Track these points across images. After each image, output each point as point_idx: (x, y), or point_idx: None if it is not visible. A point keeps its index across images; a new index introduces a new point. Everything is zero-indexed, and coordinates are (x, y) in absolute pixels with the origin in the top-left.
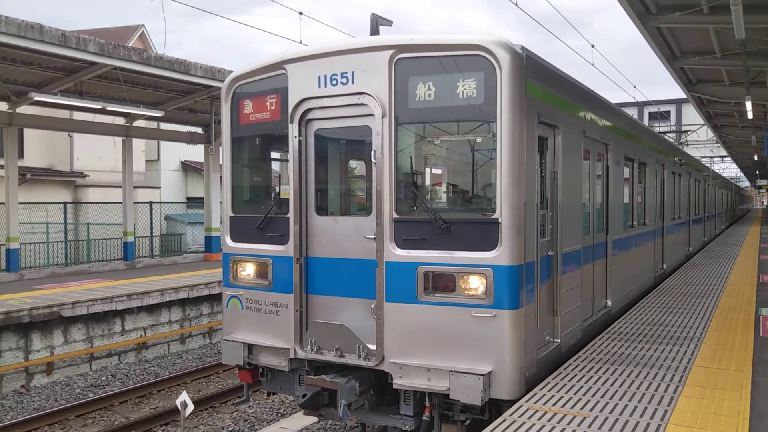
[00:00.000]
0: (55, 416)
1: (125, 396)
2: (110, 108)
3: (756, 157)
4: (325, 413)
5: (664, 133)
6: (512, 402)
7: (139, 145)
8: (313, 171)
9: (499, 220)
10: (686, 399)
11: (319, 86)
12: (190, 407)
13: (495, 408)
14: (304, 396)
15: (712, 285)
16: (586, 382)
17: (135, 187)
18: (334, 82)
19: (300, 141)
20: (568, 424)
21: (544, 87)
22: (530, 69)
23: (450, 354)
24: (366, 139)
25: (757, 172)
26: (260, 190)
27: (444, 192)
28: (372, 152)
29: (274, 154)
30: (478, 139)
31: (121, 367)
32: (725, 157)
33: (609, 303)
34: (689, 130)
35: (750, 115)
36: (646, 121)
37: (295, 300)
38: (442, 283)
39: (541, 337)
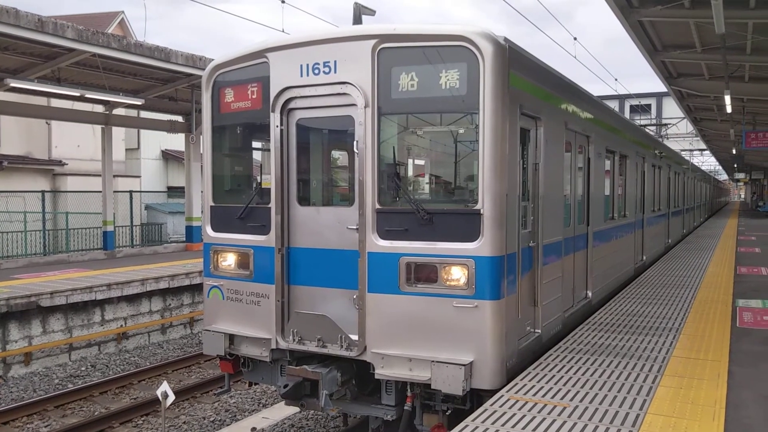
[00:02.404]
0: (34, 407)
1: (105, 386)
2: (89, 95)
3: (734, 151)
4: (307, 403)
5: (645, 126)
6: (493, 392)
7: (118, 133)
8: (295, 161)
9: (481, 212)
10: (664, 389)
11: (301, 75)
12: (171, 397)
13: (476, 398)
14: (285, 386)
15: (690, 276)
16: (566, 372)
17: (115, 176)
18: (317, 71)
19: (282, 130)
20: (549, 413)
21: (526, 78)
22: (513, 60)
23: (432, 344)
24: (348, 129)
25: (735, 166)
26: (241, 180)
27: (426, 183)
28: (354, 142)
29: (256, 144)
30: (461, 131)
31: (101, 357)
32: (704, 150)
33: (589, 294)
34: (669, 123)
35: (729, 109)
36: (627, 114)
37: (276, 290)
38: (424, 273)
39: (522, 327)
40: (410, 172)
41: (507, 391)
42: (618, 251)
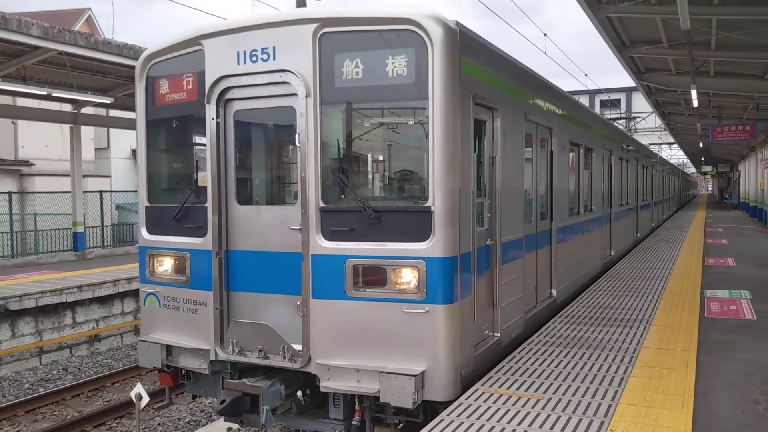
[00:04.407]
0: (3, 412)
1: (77, 390)
2: (56, 94)
3: (701, 145)
4: (247, 420)
5: (614, 119)
6: (448, 403)
7: (87, 132)
8: (233, 156)
9: (432, 209)
10: (636, 379)
11: (238, 63)
12: (146, 399)
13: (430, 409)
14: (222, 402)
15: (660, 268)
16: (529, 376)
17: (84, 176)
18: (254, 58)
19: (218, 123)
20: (509, 422)
21: (480, 66)
22: (465, 46)
23: (381, 353)
24: (290, 121)
25: (703, 159)
26: (178, 178)
27: (374, 179)
28: (296, 135)
29: (193, 138)
30: (410, 122)
31: (73, 360)
32: (673, 144)
33: (554, 292)
34: (638, 117)
35: (695, 104)
36: (597, 109)
37: (214, 297)
38: (373, 277)
39: (479, 332)
40: (356, 167)
41: (466, 399)
42: (584, 247)
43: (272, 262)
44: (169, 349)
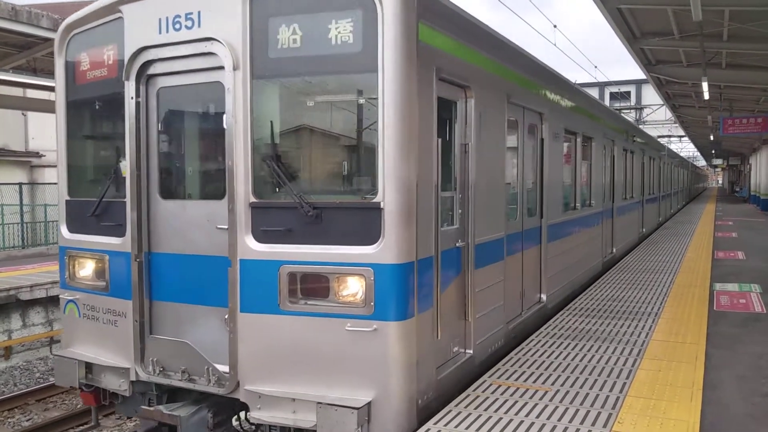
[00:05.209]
0: (15, 401)
1: None
2: None
3: (712, 137)
4: None
5: (621, 109)
6: None
7: None
8: (156, 142)
9: (381, 205)
10: (644, 372)
11: (160, 32)
12: None
13: None
14: None
15: (669, 262)
16: (537, 368)
17: None
18: (177, 25)
19: (138, 103)
20: (516, 414)
21: (446, 34)
22: (425, 9)
23: (321, 380)
24: (219, 99)
25: (713, 152)
26: (102, 168)
27: (315, 168)
28: (224, 116)
29: (117, 122)
30: (357, 99)
31: None
32: (683, 136)
33: (544, 297)
34: (647, 106)
35: (706, 96)
36: (607, 101)
37: (134, 308)
38: (312, 286)
39: (443, 351)
40: (294, 154)
41: (473, 390)
42: (581, 245)
43: (199, 267)
44: (89, 365)
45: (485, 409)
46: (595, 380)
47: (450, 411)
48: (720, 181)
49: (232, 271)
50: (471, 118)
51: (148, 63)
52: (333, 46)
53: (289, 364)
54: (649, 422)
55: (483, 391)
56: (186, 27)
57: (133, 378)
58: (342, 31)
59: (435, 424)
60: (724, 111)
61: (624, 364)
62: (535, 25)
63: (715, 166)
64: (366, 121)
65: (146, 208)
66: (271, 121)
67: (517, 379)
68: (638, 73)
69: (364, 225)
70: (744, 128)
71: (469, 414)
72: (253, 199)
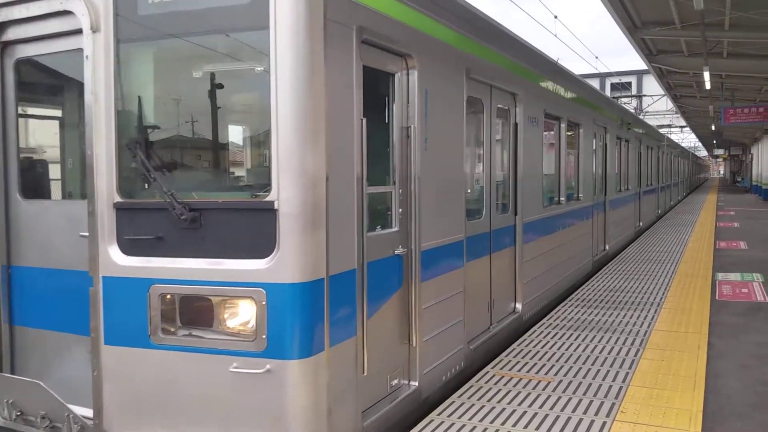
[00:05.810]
0: None
1: None
2: None
3: (713, 127)
4: None
5: (619, 97)
6: None
7: None
8: (14, 126)
9: (276, 206)
10: (647, 361)
11: None
12: None
13: None
14: None
15: (671, 252)
16: (540, 359)
17: None
18: None
19: None
20: (519, 404)
21: None
22: None
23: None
24: (81, 71)
25: (714, 142)
26: None
27: (194, 158)
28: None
29: None
30: (248, 67)
31: None
32: (684, 127)
33: (519, 307)
34: (647, 95)
35: (708, 86)
36: (608, 92)
37: None
38: (190, 314)
39: (373, 388)
40: (169, 141)
41: (476, 381)
42: (567, 244)
43: (63, 284)
44: None
45: (488, 400)
46: (598, 370)
47: (453, 402)
48: (721, 172)
49: (93, 291)
50: (414, 95)
51: (2, 29)
52: None
53: (164, 412)
54: (652, 411)
55: (486, 383)
56: None
57: None
58: None
59: None
60: (726, 101)
61: (627, 354)
62: (535, 16)
63: (717, 157)
64: (259, 96)
65: (3, 210)
66: (140, 97)
67: (519, 370)
68: (639, 64)
69: (254, 231)
70: (745, 118)
71: (472, 405)
72: (118, 199)
